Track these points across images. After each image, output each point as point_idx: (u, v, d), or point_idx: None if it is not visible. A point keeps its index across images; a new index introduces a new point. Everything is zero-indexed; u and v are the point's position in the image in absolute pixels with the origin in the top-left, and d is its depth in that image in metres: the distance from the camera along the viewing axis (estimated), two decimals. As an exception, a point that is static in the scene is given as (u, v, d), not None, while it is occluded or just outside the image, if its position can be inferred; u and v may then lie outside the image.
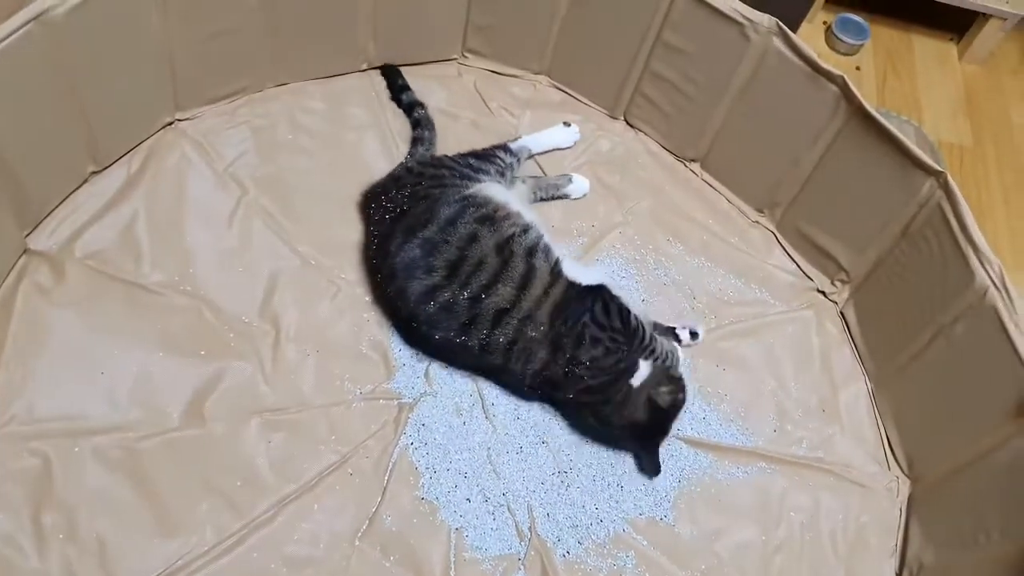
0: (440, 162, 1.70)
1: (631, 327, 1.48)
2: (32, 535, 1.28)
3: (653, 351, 1.50)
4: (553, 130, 1.91)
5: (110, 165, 1.68)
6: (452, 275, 1.46)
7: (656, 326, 1.61)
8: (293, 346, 1.53)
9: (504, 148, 1.77)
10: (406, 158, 1.77)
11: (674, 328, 1.65)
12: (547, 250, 1.53)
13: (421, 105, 1.87)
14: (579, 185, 1.83)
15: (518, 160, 1.79)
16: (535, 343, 1.45)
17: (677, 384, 1.48)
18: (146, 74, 1.64)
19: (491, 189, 1.61)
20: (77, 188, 1.64)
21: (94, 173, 1.66)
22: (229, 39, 1.70)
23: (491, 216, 1.53)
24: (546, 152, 1.89)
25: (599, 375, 1.44)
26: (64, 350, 1.45)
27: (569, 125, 1.92)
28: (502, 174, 1.71)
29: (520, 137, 1.85)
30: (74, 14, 1.41)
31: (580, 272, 1.53)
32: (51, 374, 1.43)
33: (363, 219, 1.68)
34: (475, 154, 1.74)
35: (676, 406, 1.47)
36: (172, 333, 1.50)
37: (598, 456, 1.52)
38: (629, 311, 1.49)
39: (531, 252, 1.51)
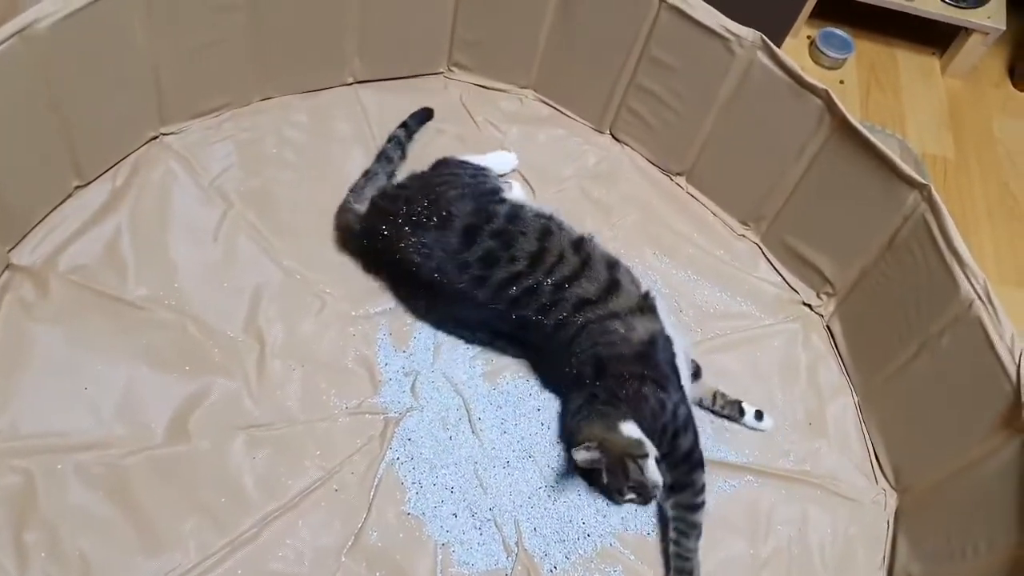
0: (439, 174, 1.68)
1: (695, 458, 1.43)
2: (14, 553, 1.27)
3: (692, 486, 1.43)
4: (495, 155, 1.86)
5: (94, 179, 1.67)
6: (536, 264, 1.50)
7: (718, 397, 1.60)
8: (278, 361, 1.52)
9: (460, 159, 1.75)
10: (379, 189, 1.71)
11: (740, 402, 1.61)
12: (629, 272, 1.56)
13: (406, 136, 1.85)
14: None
15: None
16: (620, 340, 1.45)
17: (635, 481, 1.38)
18: (131, 88, 1.63)
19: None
20: (61, 202, 1.63)
21: (78, 187, 1.65)
22: (214, 53, 1.70)
23: (548, 215, 1.59)
24: None
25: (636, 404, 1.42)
26: (47, 366, 1.44)
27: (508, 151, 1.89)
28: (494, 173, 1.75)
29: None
30: (58, 28, 1.40)
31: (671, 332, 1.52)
32: (34, 390, 1.41)
33: (371, 248, 1.64)
34: (453, 162, 1.73)
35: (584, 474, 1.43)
36: (156, 348, 1.49)
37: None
38: (696, 435, 1.45)
39: (612, 266, 1.55)
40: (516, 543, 1.42)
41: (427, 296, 1.58)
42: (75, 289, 1.53)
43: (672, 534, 1.42)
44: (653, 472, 1.35)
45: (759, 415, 1.60)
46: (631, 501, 1.38)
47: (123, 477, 1.36)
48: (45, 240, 1.58)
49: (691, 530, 1.40)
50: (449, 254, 1.52)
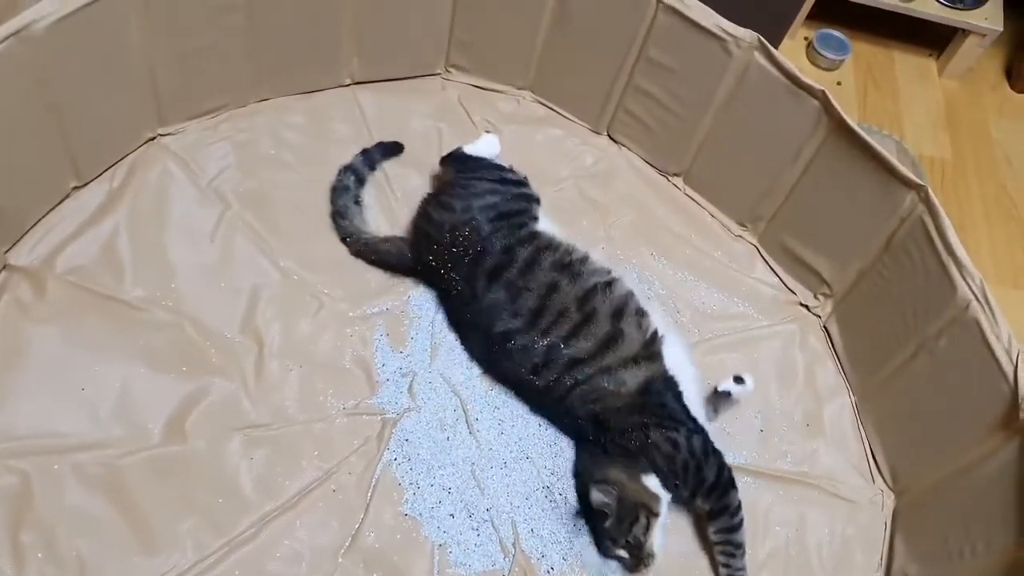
0: (478, 188, 1.64)
1: (723, 484, 1.42)
2: (10, 554, 1.26)
3: (725, 511, 1.42)
4: (484, 139, 1.83)
5: (92, 180, 1.67)
6: (534, 323, 1.48)
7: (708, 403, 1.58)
8: (276, 362, 1.52)
9: (485, 158, 1.74)
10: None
11: (721, 389, 1.57)
12: (640, 315, 1.52)
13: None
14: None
15: None
16: (610, 395, 1.45)
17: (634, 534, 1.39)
18: (128, 89, 1.63)
19: (550, 227, 1.63)
20: (58, 203, 1.63)
21: (75, 188, 1.65)
22: (211, 54, 1.70)
23: (568, 263, 1.54)
24: None
25: (652, 454, 1.42)
26: (44, 366, 1.44)
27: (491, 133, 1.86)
28: (525, 178, 1.72)
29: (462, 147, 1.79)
30: (54, 29, 1.40)
31: (680, 366, 1.51)
32: (31, 391, 1.41)
33: (422, 276, 1.66)
34: (495, 165, 1.72)
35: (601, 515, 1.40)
36: (154, 349, 1.49)
37: (583, 471, 1.52)
38: (723, 471, 1.44)
39: (618, 315, 1.50)
40: (513, 544, 1.42)
41: (464, 323, 1.60)
42: (72, 290, 1.53)
43: (720, 557, 1.42)
44: (656, 539, 1.37)
45: (739, 379, 1.56)
46: (617, 558, 1.39)
47: (120, 477, 1.36)
48: (42, 241, 1.57)
49: (737, 550, 1.41)
50: (475, 295, 1.53)
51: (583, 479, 1.46)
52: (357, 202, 1.74)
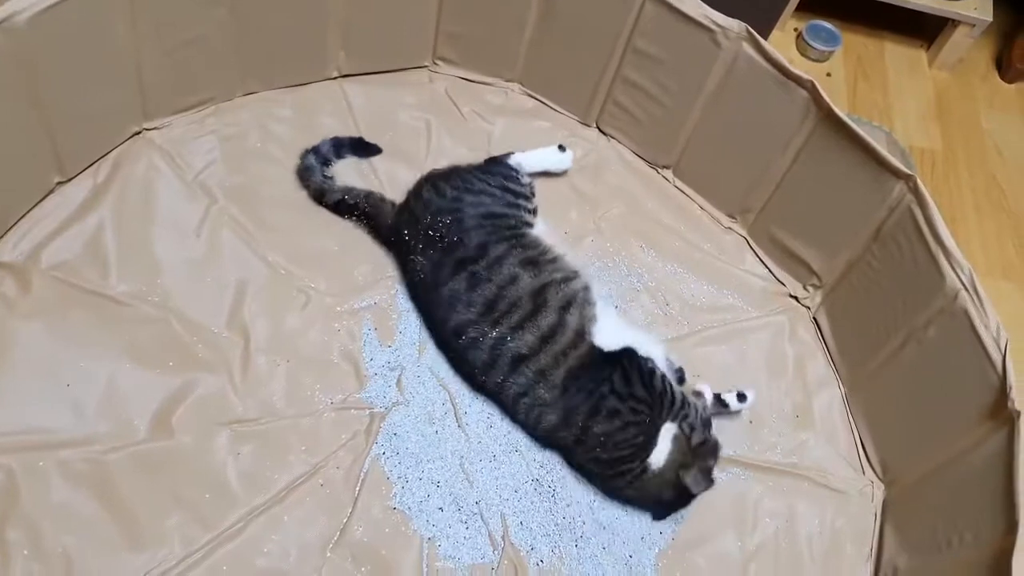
0: (474, 186, 1.64)
1: (657, 391, 1.44)
2: (-5, 551, 1.26)
3: (687, 416, 1.45)
4: (547, 151, 1.85)
5: (77, 175, 1.66)
6: (486, 312, 1.47)
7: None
8: (263, 356, 1.51)
9: (514, 169, 1.73)
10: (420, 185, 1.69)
11: (719, 394, 1.58)
12: (584, 307, 1.51)
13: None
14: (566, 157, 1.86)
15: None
16: (545, 406, 1.45)
17: (711, 456, 1.45)
18: (113, 83, 1.62)
19: (535, 228, 1.63)
20: (43, 198, 1.61)
21: (60, 183, 1.63)
22: (197, 48, 1.69)
23: (535, 260, 1.54)
24: (535, 173, 1.82)
25: (615, 449, 1.43)
26: (29, 362, 1.43)
27: (564, 150, 1.87)
28: (531, 192, 1.71)
29: (513, 153, 1.78)
30: (37, 21, 1.39)
31: (612, 335, 1.50)
32: (16, 387, 1.40)
33: (392, 247, 1.67)
34: (501, 173, 1.70)
35: (710, 487, 1.43)
36: (140, 344, 1.48)
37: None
38: (654, 373, 1.45)
39: (566, 306, 1.49)
40: (502, 537, 1.41)
41: (424, 309, 1.61)
42: (57, 285, 1.52)
43: None
44: (698, 418, 1.47)
45: (741, 397, 1.58)
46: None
47: (106, 473, 1.35)
48: (27, 236, 1.56)
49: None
50: (436, 283, 1.53)
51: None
52: (327, 176, 1.75)
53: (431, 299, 1.55)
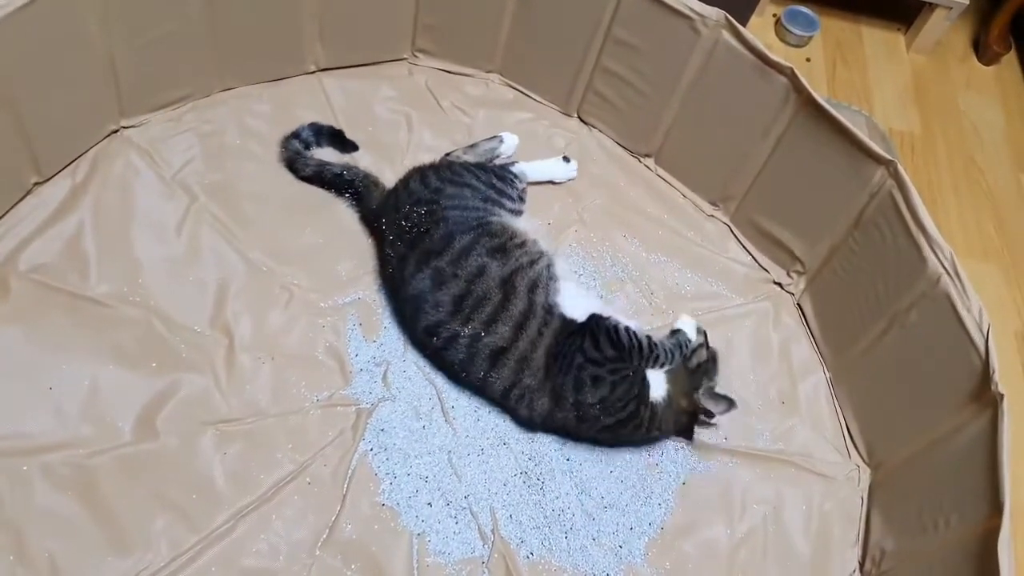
0: (462, 179, 1.64)
1: (625, 346, 1.45)
2: (-20, 558, 1.25)
3: (658, 359, 1.48)
4: (551, 162, 1.86)
5: (54, 175, 1.64)
6: (456, 311, 1.46)
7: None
8: (247, 355, 1.50)
9: (513, 174, 1.73)
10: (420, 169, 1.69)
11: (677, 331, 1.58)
12: (548, 284, 1.51)
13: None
14: (510, 142, 1.84)
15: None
16: (534, 391, 1.45)
17: (711, 370, 1.51)
18: (88, 81, 1.60)
19: (508, 219, 1.61)
20: (20, 200, 1.59)
21: (37, 184, 1.61)
22: (171, 44, 1.67)
23: (503, 247, 1.52)
24: (538, 183, 1.83)
25: (615, 411, 1.44)
26: (9, 366, 1.41)
27: (568, 161, 1.87)
28: (520, 199, 1.70)
29: (517, 162, 1.80)
30: (8, 22, 1.37)
31: (578, 304, 1.51)
32: (-4, 392, 1.39)
33: (373, 234, 1.67)
34: (495, 172, 1.70)
35: (732, 406, 1.46)
36: (122, 346, 1.47)
37: (560, 456, 1.51)
38: (618, 327, 1.46)
39: (533, 287, 1.49)
40: (492, 531, 1.41)
41: (395, 306, 1.61)
42: (36, 288, 1.50)
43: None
44: (686, 339, 1.54)
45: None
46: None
47: (91, 477, 1.34)
48: (4, 238, 1.54)
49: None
50: (403, 279, 1.52)
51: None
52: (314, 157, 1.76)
53: (401, 297, 1.55)
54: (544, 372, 1.45)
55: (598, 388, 1.43)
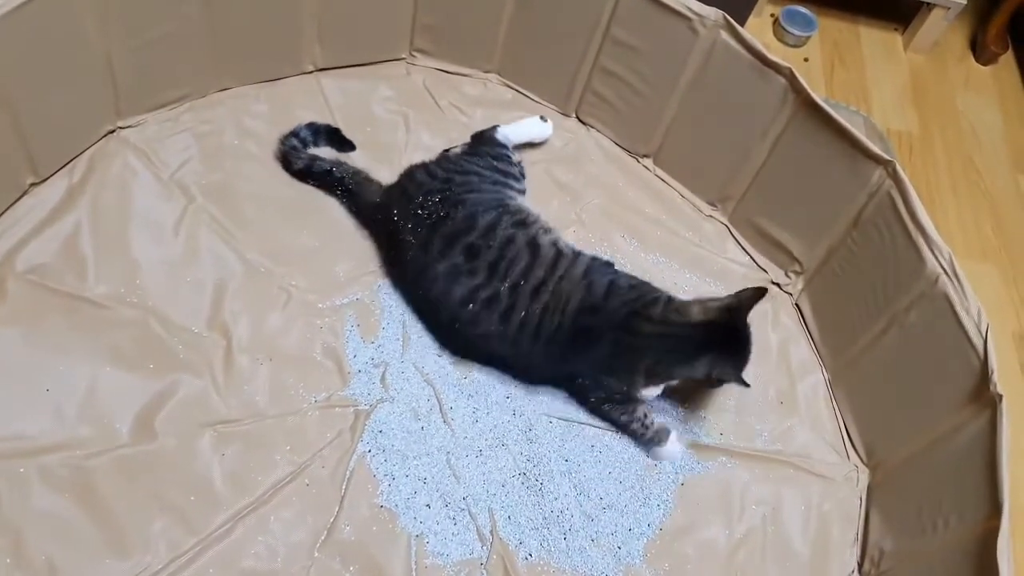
0: (464, 167, 1.68)
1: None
2: (-23, 561, 1.24)
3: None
4: (528, 122, 1.90)
5: (50, 176, 1.63)
6: (493, 273, 1.50)
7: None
8: (245, 356, 1.50)
9: (504, 147, 1.77)
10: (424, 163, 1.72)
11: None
12: (556, 235, 1.61)
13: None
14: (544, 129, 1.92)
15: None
16: (567, 293, 1.50)
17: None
18: (84, 81, 1.60)
19: (520, 200, 1.67)
20: (16, 200, 1.59)
21: (33, 184, 1.61)
22: (169, 44, 1.66)
23: (524, 221, 1.59)
24: (521, 144, 1.87)
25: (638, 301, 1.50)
26: (7, 368, 1.41)
27: (545, 120, 1.91)
28: (521, 175, 1.75)
29: (499, 126, 1.81)
30: (4, 21, 1.37)
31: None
32: (-6, 393, 1.38)
33: (372, 226, 1.68)
34: (490, 154, 1.73)
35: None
36: (119, 347, 1.46)
37: (559, 457, 1.51)
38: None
39: (555, 242, 1.57)
40: (491, 532, 1.41)
41: (412, 288, 1.62)
42: (34, 289, 1.49)
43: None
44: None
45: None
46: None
47: (89, 478, 1.33)
48: (1, 239, 1.53)
49: None
50: (428, 261, 1.53)
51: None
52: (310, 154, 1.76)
53: (423, 278, 1.55)
54: (582, 276, 1.51)
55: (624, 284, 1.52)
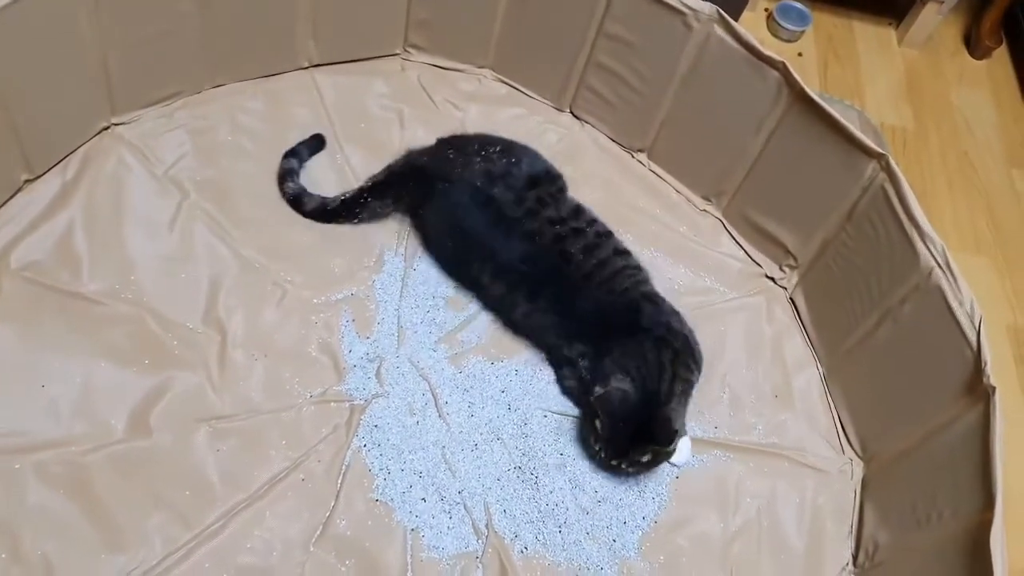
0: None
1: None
2: (-27, 557, 1.24)
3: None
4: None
5: (44, 172, 1.63)
6: (577, 215, 1.64)
7: None
8: (240, 352, 1.50)
9: None
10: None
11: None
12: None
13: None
14: None
15: None
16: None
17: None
18: (79, 78, 1.60)
19: None
20: (10, 197, 1.58)
21: (28, 181, 1.61)
22: (164, 41, 1.66)
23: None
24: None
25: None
26: (1, 365, 1.41)
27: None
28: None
29: None
30: (-2, 18, 1.37)
31: None
32: (-12, 390, 1.38)
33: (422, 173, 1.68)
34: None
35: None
36: (114, 343, 1.46)
37: (554, 451, 1.51)
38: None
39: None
40: (486, 525, 1.41)
41: (462, 232, 1.61)
42: (28, 286, 1.49)
43: None
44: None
45: None
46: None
47: (84, 475, 1.33)
48: (-5, 236, 1.54)
49: None
50: (505, 188, 1.59)
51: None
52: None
53: (507, 221, 1.57)
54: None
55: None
